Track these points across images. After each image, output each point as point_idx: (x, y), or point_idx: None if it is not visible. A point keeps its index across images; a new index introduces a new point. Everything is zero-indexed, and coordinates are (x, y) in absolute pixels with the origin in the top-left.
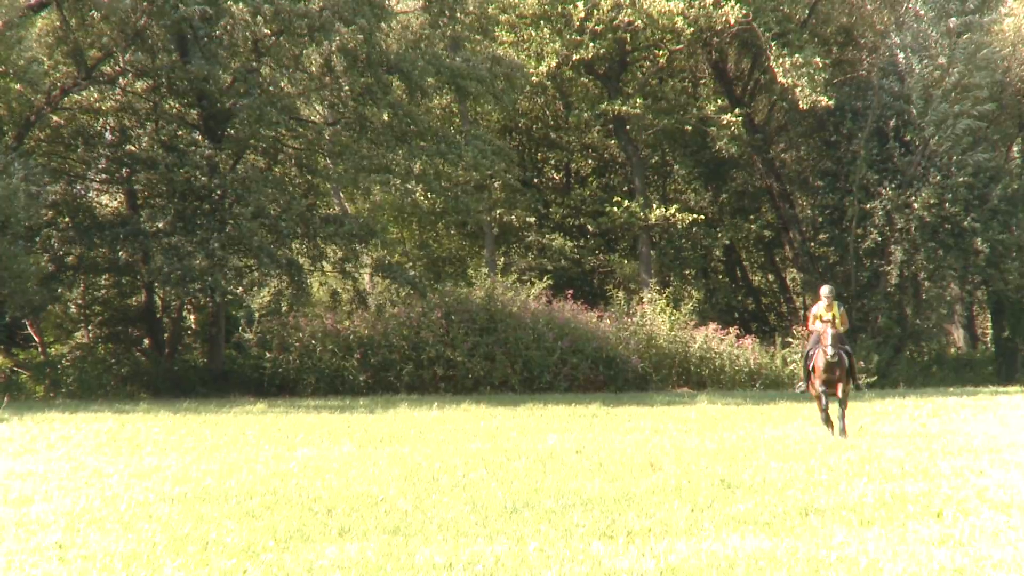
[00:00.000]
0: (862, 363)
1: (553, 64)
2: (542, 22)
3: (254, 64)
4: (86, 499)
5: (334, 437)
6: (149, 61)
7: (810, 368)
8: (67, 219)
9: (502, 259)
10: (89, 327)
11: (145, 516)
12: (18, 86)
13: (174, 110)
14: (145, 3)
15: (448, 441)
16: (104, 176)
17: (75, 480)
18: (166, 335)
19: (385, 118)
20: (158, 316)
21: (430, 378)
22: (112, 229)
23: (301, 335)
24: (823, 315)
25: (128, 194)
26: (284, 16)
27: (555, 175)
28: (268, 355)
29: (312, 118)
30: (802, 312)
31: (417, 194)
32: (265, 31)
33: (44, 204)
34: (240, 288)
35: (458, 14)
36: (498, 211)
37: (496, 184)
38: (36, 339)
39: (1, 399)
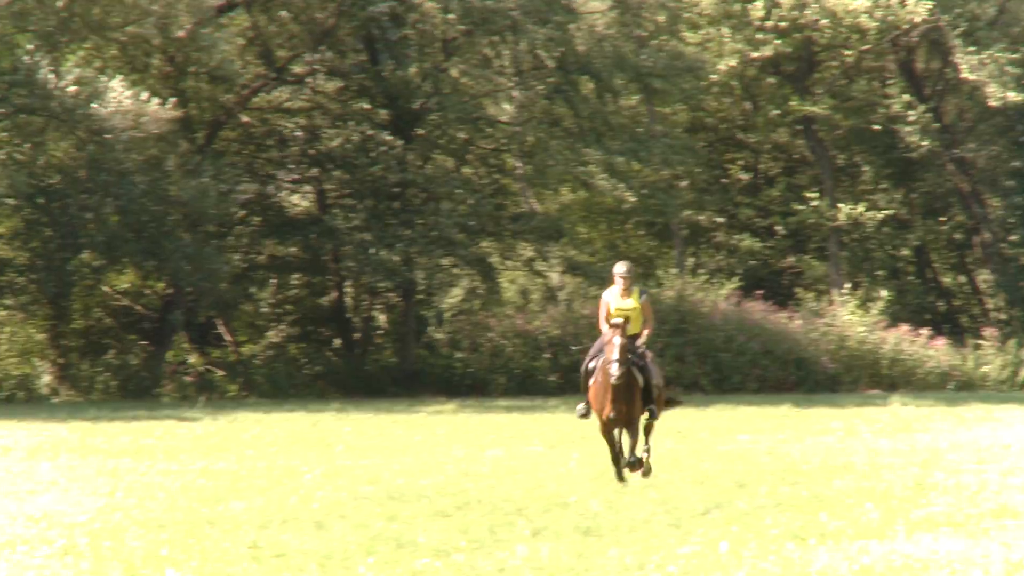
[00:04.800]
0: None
1: (734, 63)
2: (722, 20)
3: (443, 64)
4: (279, 498)
5: (524, 437)
6: (338, 61)
7: (589, 385)
8: (258, 218)
9: (691, 259)
10: (281, 326)
11: (337, 515)
12: (210, 86)
13: (364, 110)
14: (334, 3)
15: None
16: (295, 175)
17: (268, 479)
18: (357, 335)
19: (579, 115)
20: (348, 316)
21: None
22: (303, 228)
23: (491, 334)
24: (617, 305)
25: (318, 193)
26: (475, 14)
27: (743, 175)
28: (458, 355)
29: (501, 117)
30: (992, 314)
31: (616, 190)
32: (457, 29)
33: (235, 203)
34: (434, 281)
35: (644, 13)
36: (687, 211)
37: (685, 184)
38: (228, 338)
39: (196, 398)
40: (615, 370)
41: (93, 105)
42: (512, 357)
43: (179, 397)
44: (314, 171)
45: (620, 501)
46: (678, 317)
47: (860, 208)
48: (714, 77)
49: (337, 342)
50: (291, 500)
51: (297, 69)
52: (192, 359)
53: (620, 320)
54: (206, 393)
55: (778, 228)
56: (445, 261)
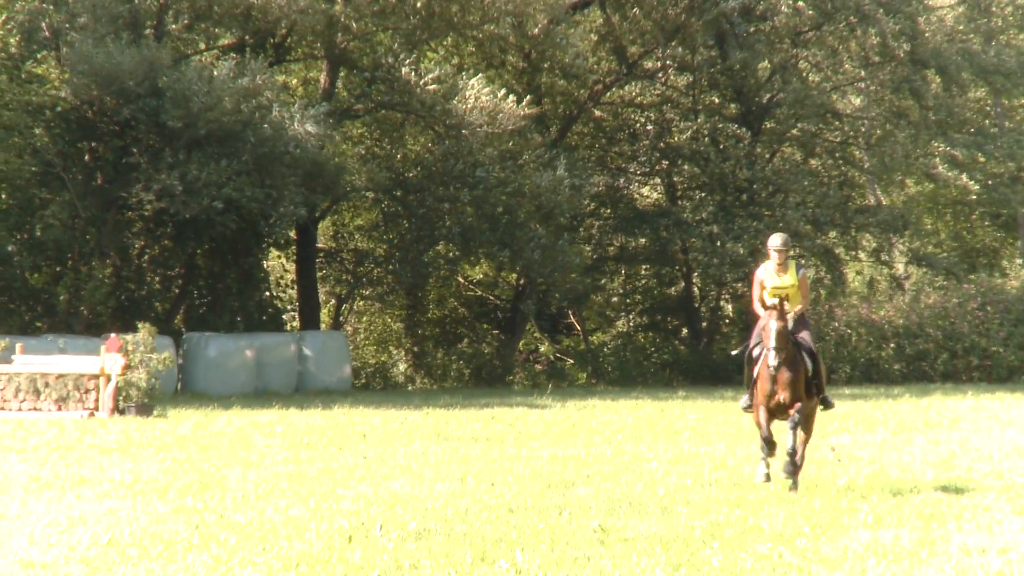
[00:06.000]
0: None
1: None
2: None
3: (792, 59)
4: (626, 483)
5: (868, 424)
6: (688, 56)
7: (753, 375)
8: (609, 210)
9: None
10: (629, 316)
11: (683, 501)
12: (563, 82)
13: (713, 104)
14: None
15: (981, 430)
16: (644, 168)
17: (615, 465)
18: (703, 324)
19: (925, 108)
20: (696, 305)
21: (964, 367)
22: (652, 220)
23: (836, 324)
24: (772, 283)
25: (668, 186)
26: (827, 4)
27: None
28: None
29: (847, 111)
30: None
31: (959, 181)
32: (807, 20)
33: (587, 196)
34: None
35: (993, 8)
36: None
37: None
38: (578, 327)
39: (546, 386)
40: (772, 360)
41: (452, 102)
42: (857, 346)
43: (529, 385)
44: (664, 164)
45: (964, 487)
46: (1023, 307)
47: None
48: None
49: (684, 331)
50: (637, 486)
51: (648, 64)
52: (543, 348)
53: (776, 301)
54: (555, 380)
55: None
56: (791, 252)
